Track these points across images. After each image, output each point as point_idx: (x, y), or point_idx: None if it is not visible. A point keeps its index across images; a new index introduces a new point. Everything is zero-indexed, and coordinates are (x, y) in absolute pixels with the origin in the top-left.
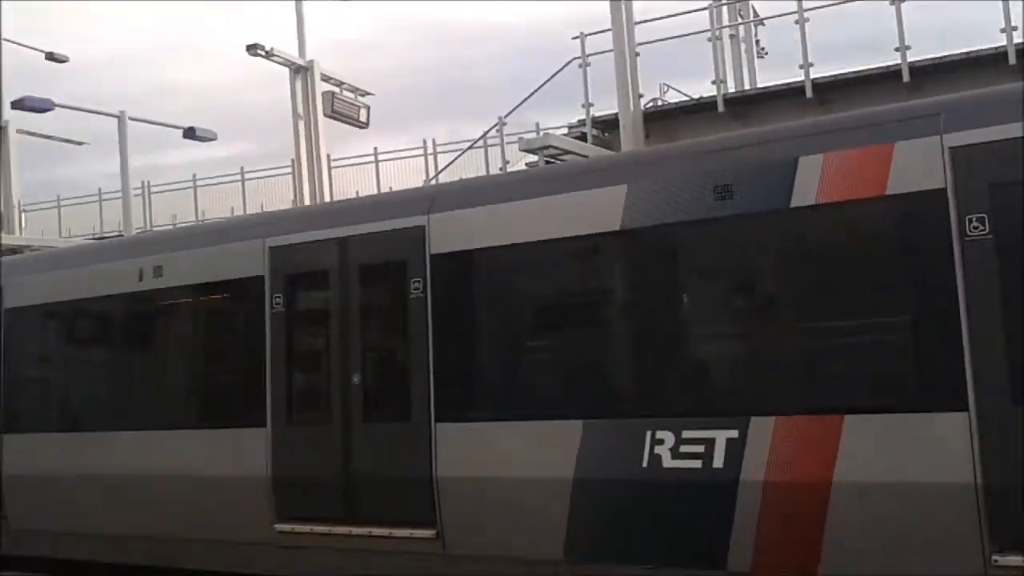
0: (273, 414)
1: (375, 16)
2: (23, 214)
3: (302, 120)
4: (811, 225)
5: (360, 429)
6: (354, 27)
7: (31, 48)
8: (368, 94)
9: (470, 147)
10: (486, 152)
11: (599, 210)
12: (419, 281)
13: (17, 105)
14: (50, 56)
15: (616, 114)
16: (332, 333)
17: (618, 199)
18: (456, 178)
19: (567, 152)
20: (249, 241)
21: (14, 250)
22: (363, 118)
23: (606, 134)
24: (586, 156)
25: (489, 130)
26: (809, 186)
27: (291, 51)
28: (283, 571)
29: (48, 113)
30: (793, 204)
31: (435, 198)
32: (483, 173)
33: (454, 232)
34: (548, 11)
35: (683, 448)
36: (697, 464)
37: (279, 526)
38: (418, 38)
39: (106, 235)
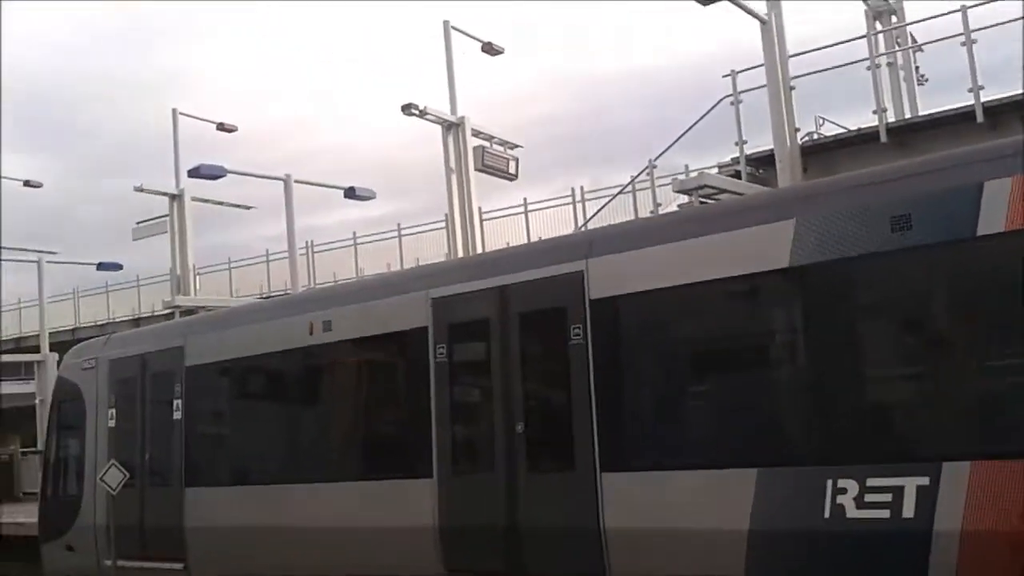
0: (439, 464)
1: (516, 69)
2: (197, 277)
3: (454, 175)
4: (1000, 254)
5: (525, 479)
6: (497, 80)
7: (203, 120)
8: (516, 146)
9: (620, 192)
10: (634, 197)
11: (766, 247)
12: (579, 327)
13: (193, 173)
14: (220, 127)
15: (771, 150)
16: (494, 382)
17: (785, 235)
18: (606, 225)
19: (722, 191)
20: (413, 293)
21: (190, 311)
22: (512, 170)
23: (760, 171)
24: (742, 194)
25: (639, 174)
26: (997, 213)
27: (442, 108)
28: None
29: (219, 180)
30: (980, 232)
31: (593, 243)
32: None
33: (613, 276)
34: (681, 56)
35: (868, 497)
36: (885, 514)
37: None
38: (557, 89)
39: (273, 294)
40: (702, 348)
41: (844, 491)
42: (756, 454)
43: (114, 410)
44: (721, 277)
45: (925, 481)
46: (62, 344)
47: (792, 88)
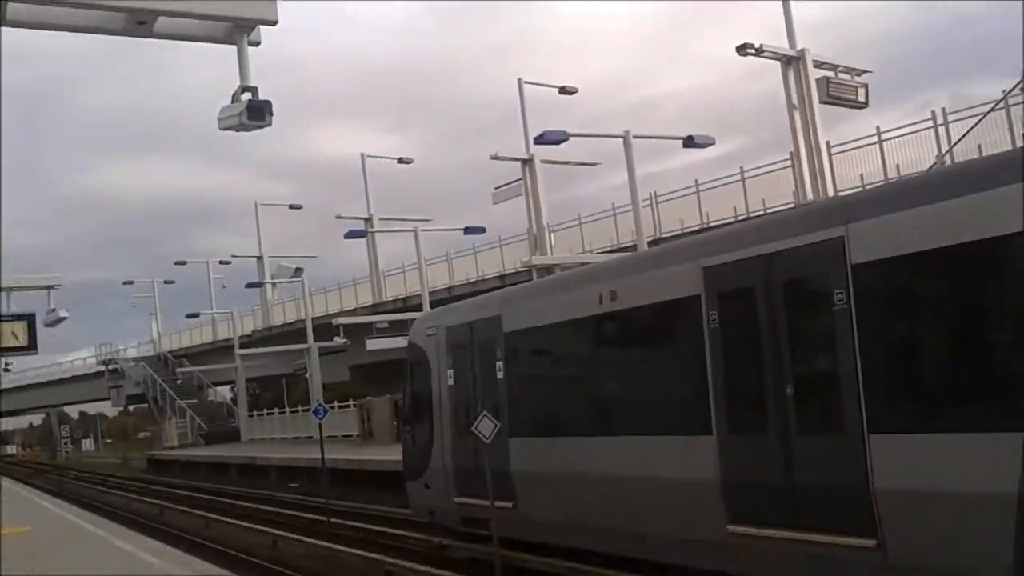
0: (718, 423)
1: None
2: (551, 234)
3: (797, 110)
4: None
5: (797, 439)
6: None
7: (546, 85)
8: (864, 72)
9: (991, 110)
10: (1008, 114)
11: None
12: (842, 292)
13: (539, 141)
14: (562, 90)
15: None
16: (764, 347)
17: None
18: (976, 147)
19: None
20: (686, 264)
21: (548, 269)
22: (861, 98)
23: None
24: None
25: (1012, 88)
26: None
27: (779, 43)
28: (735, 570)
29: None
30: None
31: (854, 208)
32: (1008, 138)
33: (874, 241)
34: None
35: None
36: None
37: (732, 527)
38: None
39: (622, 247)
40: (964, 310)
41: None
42: (1022, 417)
43: (452, 370)
44: (978, 239)
45: None
46: (440, 301)
47: None
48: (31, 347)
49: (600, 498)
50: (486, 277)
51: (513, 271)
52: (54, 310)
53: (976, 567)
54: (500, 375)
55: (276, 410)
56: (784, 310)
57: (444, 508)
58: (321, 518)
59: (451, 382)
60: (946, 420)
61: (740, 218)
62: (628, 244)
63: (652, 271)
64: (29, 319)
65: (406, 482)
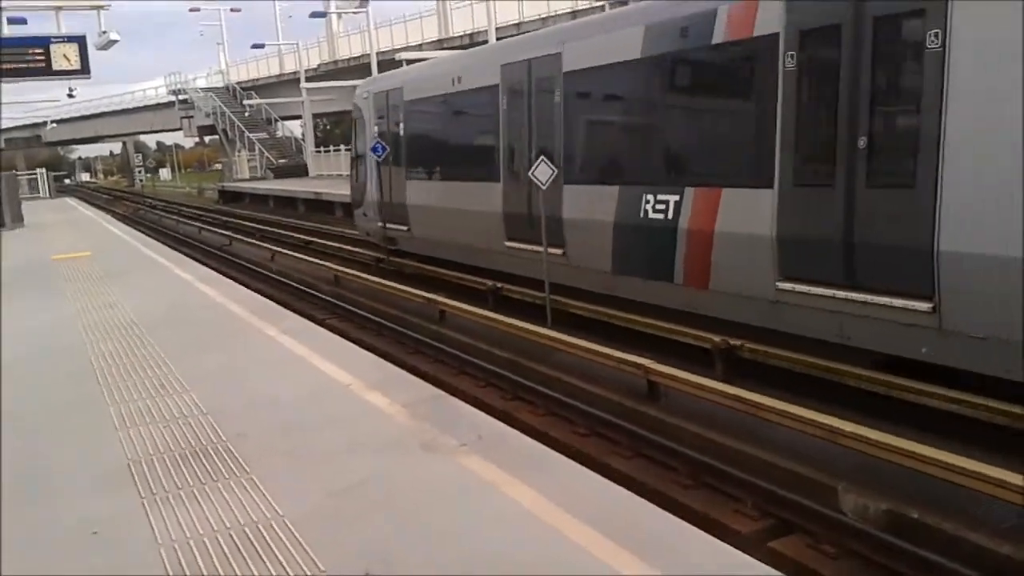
0: (503, 174)
1: None
2: None
3: None
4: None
5: (533, 187)
6: None
7: None
8: None
9: None
10: None
11: (629, 44)
12: (558, 92)
13: None
14: None
15: None
16: (524, 125)
17: (637, 36)
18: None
19: None
20: (494, 62)
21: (623, 1)
22: None
23: None
24: None
25: None
26: None
27: None
28: (508, 270)
29: None
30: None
31: (566, 33)
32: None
33: (572, 57)
34: None
35: (657, 206)
36: (662, 216)
37: (507, 243)
38: None
39: None
40: (604, 109)
41: (648, 201)
42: (618, 177)
43: (376, 127)
44: (615, 61)
45: (677, 198)
46: (508, 37)
47: None
48: (84, 71)
49: (450, 223)
50: (558, 13)
51: (586, 6)
52: (105, 32)
53: (600, 263)
54: (401, 132)
55: (343, 147)
56: (534, 102)
57: (375, 230)
58: (382, 256)
59: (376, 137)
60: (588, 177)
61: None
62: None
63: (477, 63)
64: (80, 41)
65: (353, 210)
